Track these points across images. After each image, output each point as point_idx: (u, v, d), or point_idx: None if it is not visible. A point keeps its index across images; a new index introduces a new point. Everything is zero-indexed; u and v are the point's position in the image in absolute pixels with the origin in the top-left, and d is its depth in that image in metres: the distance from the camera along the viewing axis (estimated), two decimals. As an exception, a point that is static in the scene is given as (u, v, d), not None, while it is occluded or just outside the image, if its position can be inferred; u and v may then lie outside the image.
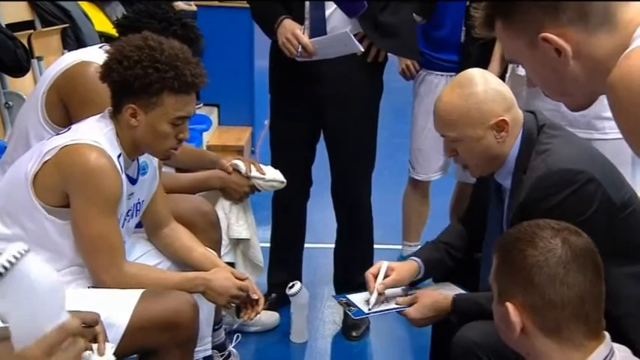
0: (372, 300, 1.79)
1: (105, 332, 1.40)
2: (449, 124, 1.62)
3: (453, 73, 2.75)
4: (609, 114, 1.02)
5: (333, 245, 2.87)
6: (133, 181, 1.80)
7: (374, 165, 2.73)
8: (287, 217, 2.76)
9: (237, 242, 2.39)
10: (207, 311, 1.96)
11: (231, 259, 2.36)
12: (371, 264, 2.73)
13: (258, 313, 1.92)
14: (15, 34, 2.93)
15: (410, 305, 1.73)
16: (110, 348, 1.38)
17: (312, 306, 2.74)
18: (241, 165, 2.34)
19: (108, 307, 1.56)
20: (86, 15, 3.81)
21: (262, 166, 2.43)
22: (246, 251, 2.44)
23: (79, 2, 3.95)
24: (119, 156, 1.69)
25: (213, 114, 4.98)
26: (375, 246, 2.80)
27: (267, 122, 2.79)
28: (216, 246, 2.06)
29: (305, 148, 2.68)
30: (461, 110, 1.60)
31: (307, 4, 2.44)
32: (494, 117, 1.59)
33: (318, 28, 2.44)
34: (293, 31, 2.39)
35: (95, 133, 1.68)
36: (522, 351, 1.19)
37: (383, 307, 1.80)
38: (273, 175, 2.38)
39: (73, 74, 1.97)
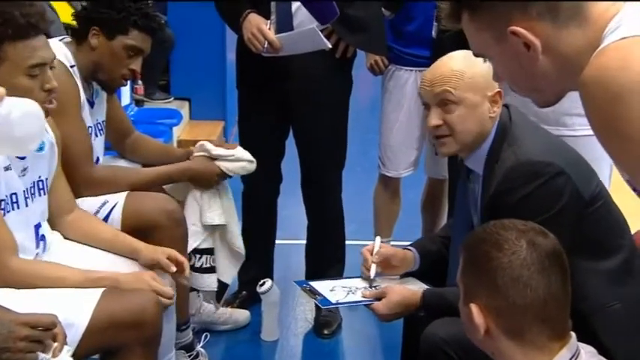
0: (372, 272, 1.77)
1: (63, 333, 1.37)
2: (453, 84, 1.57)
3: (423, 68, 2.73)
4: (579, 110, 1.00)
5: (304, 242, 2.85)
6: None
7: (344, 160, 2.72)
8: (257, 213, 2.73)
9: (213, 228, 2.32)
10: (167, 329, 1.91)
11: (210, 245, 2.31)
12: (342, 260, 2.81)
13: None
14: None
15: (377, 299, 1.70)
16: (67, 351, 1.35)
17: (284, 303, 2.73)
18: (208, 145, 2.29)
19: (67, 306, 1.54)
20: (52, 7, 3.74)
21: (231, 144, 2.37)
22: (223, 238, 2.37)
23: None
24: None
25: (184, 108, 4.94)
26: (348, 242, 2.80)
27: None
28: (180, 243, 2.03)
29: (274, 143, 2.67)
30: (467, 72, 1.57)
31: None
32: (494, 88, 1.58)
33: (285, 22, 2.42)
34: (259, 26, 2.36)
35: None
36: (488, 350, 1.19)
37: (349, 298, 1.78)
38: (242, 154, 2.30)
39: None
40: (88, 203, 1.99)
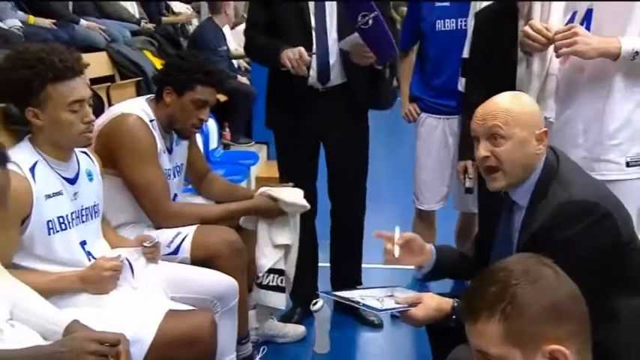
0: (397, 252, 1.66)
1: (128, 351, 1.35)
2: (503, 119, 1.47)
3: (451, 116, 2.69)
4: (608, 157, 0.89)
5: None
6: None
7: (366, 175, 2.67)
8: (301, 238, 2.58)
9: (284, 248, 2.25)
10: (230, 327, 1.90)
11: (281, 266, 2.24)
12: (359, 278, 2.73)
13: None
14: (96, 86, 2.98)
15: (412, 305, 1.57)
16: None
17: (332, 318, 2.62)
18: (268, 190, 2.24)
19: (135, 324, 1.52)
20: (156, 68, 3.88)
21: (283, 188, 2.29)
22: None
23: (150, 57, 4.07)
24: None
25: (262, 150, 5.01)
26: (386, 266, 2.69)
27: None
28: (239, 270, 1.99)
29: (309, 167, 2.59)
30: (517, 110, 1.48)
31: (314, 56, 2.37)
32: (540, 127, 1.49)
33: (324, 76, 2.41)
34: (299, 51, 2.31)
35: None
36: None
37: (387, 305, 1.62)
38: (294, 200, 2.23)
39: (115, 124, 1.96)
40: (165, 234, 1.98)
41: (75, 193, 1.66)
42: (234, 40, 5.58)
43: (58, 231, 1.60)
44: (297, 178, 2.40)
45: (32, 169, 1.56)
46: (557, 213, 1.40)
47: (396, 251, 1.67)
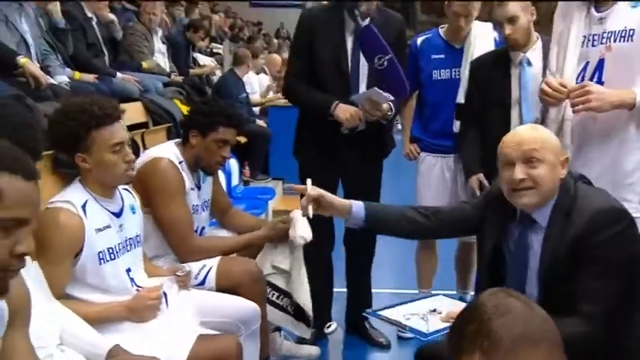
0: (310, 211, 1.58)
1: None
2: (540, 145, 1.44)
3: (447, 155, 2.72)
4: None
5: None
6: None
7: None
8: (316, 261, 2.47)
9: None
10: (253, 349, 1.89)
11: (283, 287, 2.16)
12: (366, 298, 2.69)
13: None
14: (132, 132, 3.03)
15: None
16: None
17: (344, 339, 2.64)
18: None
19: (169, 347, 1.53)
20: (184, 115, 3.94)
21: (299, 221, 2.17)
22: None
23: (179, 105, 4.14)
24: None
25: (278, 186, 5.03)
26: (395, 291, 2.69)
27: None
28: (259, 296, 1.99)
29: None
30: (549, 137, 1.48)
31: None
32: (565, 155, 1.49)
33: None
34: (354, 110, 2.36)
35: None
36: None
37: (432, 324, 1.54)
38: (301, 233, 2.11)
39: (149, 167, 1.99)
40: (192, 267, 1.96)
41: (120, 226, 1.68)
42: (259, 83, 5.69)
43: (107, 261, 1.62)
44: None
45: (84, 207, 1.58)
46: (593, 220, 1.37)
47: (310, 211, 1.61)
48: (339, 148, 2.48)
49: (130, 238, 1.71)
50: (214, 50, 7.05)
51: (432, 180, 2.76)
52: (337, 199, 1.68)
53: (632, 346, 1.38)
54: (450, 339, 1.00)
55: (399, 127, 2.93)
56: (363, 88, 2.42)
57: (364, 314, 1.84)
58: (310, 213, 1.61)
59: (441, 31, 2.69)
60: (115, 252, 1.64)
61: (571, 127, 1.92)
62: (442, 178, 2.74)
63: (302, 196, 1.64)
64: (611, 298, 1.33)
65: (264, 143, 5.14)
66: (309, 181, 1.67)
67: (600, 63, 1.82)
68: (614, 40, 1.79)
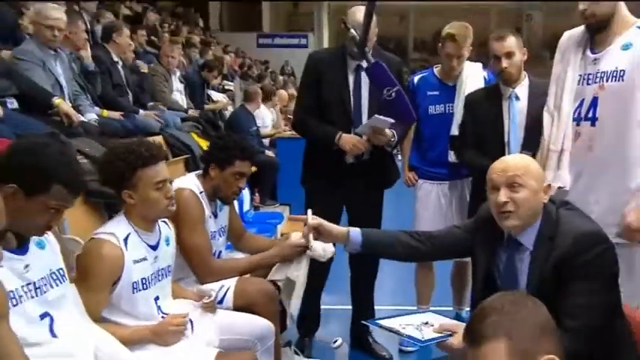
0: (311, 240, 1.64)
1: None
2: (522, 172, 1.45)
3: (442, 182, 2.76)
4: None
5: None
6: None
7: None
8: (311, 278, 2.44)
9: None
10: None
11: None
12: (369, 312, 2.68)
13: None
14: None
15: (449, 335, 1.49)
16: None
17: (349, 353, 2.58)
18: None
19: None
20: (201, 147, 4.01)
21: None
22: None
23: (196, 138, 4.20)
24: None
25: (285, 211, 5.07)
26: (396, 307, 2.69)
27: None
28: (273, 315, 2.00)
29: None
30: (532, 165, 1.49)
31: None
32: (546, 181, 1.51)
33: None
34: (358, 139, 2.41)
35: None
36: None
37: (426, 334, 1.52)
38: (318, 254, 2.06)
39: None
40: (210, 287, 1.97)
41: (155, 257, 1.70)
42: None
43: (140, 290, 1.63)
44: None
45: (125, 240, 1.61)
46: (576, 242, 1.39)
47: (311, 240, 1.65)
48: (344, 177, 2.51)
49: (161, 269, 1.73)
50: (226, 87, 7.15)
51: (429, 205, 2.79)
52: (335, 228, 1.70)
53: (613, 357, 1.39)
54: (469, 330, 1.02)
55: (399, 157, 2.97)
56: (365, 119, 2.47)
57: (363, 322, 1.83)
58: (311, 240, 1.65)
59: (436, 70, 2.77)
60: (147, 282, 1.66)
61: (569, 157, 1.92)
62: (438, 204, 2.78)
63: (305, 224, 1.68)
64: (592, 313, 1.35)
65: (272, 172, 5.19)
66: (309, 211, 1.71)
67: (594, 100, 1.83)
68: (607, 80, 1.80)
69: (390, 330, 1.60)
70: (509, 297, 1.04)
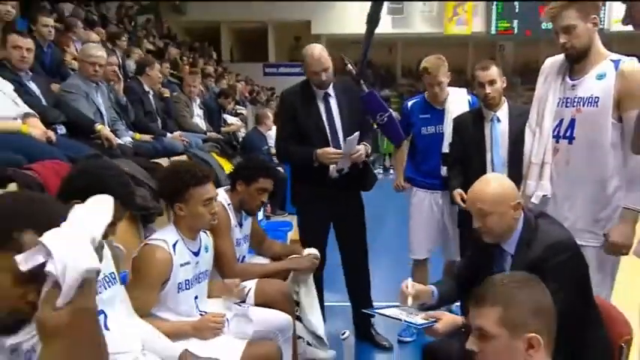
0: (410, 302, 1.59)
1: None
2: (488, 202, 1.50)
3: (435, 191, 2.80)
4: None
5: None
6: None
7: (365, 233, 2.70)
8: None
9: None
10: (287, 352, 1.92)
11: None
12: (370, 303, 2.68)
13: None
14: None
15: (435, 321, 1.53)
16: None
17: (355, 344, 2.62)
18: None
19: (226, 351, 1.58)
20: (220, 165, 4.06)
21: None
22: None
23: (216, 157, 4.25)
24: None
25: (294, 220, 5.02)
26: (392, 303, 2.68)
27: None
28: (289, 311, 2.01)
29: (324, 235, 2.61)
30: (497, 191, 1.51)
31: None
32: (514, 200, 1.52)
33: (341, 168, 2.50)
34: (332, 150, 2.44)
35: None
36: None
37: (420, 321, 1.55)
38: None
39: None
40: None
41: (197, 263, 1.74)
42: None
43: (183, 290, 1.68)
44: (314, 237, 2.47)
45: (174, 246, 1.65)
46: (550, 248, 1.43)
47: (410, 301, 1.63)
48: (329, 189, 2.53)
49: (201, 273, 1.77)
50: (238, 111, 7.23)
51: (422, 210, 2.83)
52: (425, 289, 1.68)
53: (584, 349, 1.42)
54: (478, 292, 1.08)
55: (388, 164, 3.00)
56: (341, 137, 2.52)
57: (363, 311, 1.87)
58: (410, 302, 1.61)
59: (426, 95, 2.83)
60: (189, 283, 1.70)
61: (550, 169, 1.94)
62: (431, 210, 2.82)
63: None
64: (563, 308, 1.36)
65: (282, 186, 5.21)
66: (409, 280, 1.67)
67: (572, 122, 1.86)
68: (583, 105, 1.83)
69: (389, 317, 1.64)
70: (518, 276, 1.10)
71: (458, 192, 2.51)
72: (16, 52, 2.23)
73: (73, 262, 0.64)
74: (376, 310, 1.70)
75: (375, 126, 2.69)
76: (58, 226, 0.69)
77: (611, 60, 1.82)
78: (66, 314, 0.64)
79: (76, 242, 0.66)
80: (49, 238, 0.65)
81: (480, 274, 1.66)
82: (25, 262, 0.65)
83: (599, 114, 1.79)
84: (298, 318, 2.19)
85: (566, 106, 1.89)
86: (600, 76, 1.82)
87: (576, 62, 1.85)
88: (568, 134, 1.87)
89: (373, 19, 3.29)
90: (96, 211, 0.72)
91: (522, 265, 1.46)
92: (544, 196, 1.92)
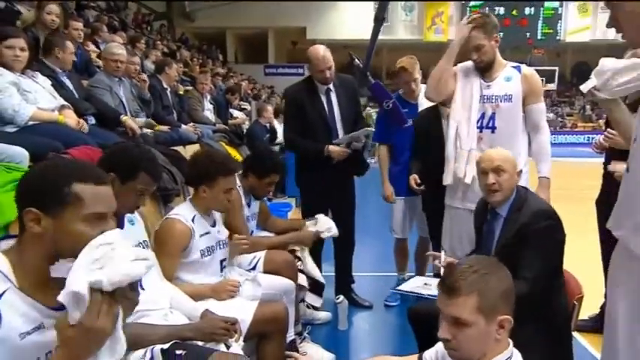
0: (442, 271, 1.53)
1: (240, 328, 1.43)
2: (503, 161, 1.59)
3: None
4: None
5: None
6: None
7: (354, 212, 2.75)
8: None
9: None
10: (291, 312, 1.95)
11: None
12: (349, 277, 2.77)
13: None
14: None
15: None
16: (240, 337, 1.42)
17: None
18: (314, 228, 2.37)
19: (241, 310, 1.61)
20: (228, 152, 4.01)
21: (325, 220, 2.38)
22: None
23: (224, 145, 4.22)
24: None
25: (293, 201, 5.11)
26: (381, 274, 2.73)
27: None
28: (293, 277, 2.06)
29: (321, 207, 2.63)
30: (509, 157, 1.62)
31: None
32: (517, 168, 1.63)
33: None
34: (342, 150, 2.52)
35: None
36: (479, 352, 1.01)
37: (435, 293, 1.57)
38: (325, 227, 2.35)
39: None
40: (247, 258, 2.05)
41: (218, 231, 1.78)
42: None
43: (206, 255, 1.71)
44: (315, 214, 2.49)
45: (193, 219, 1.68)
46: (535, 214, 1.49)
47: (442, 270, 1.60)
48: (328, 174, 2.57)
49: (221, 240, 1.80)
50: (242, 106, 7.20)
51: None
52: (452, 260, 1.64)
53: (554, 304, 1.48)
54: (451, 282, 1.01)
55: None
56: (339, 128, 2.57)
57: (392, 290, 1.97)
58: (442, 272, 1.48)
59: (400, 92, 2.81)
60: (212, 249, 1.73)
61: (475, 156, 1.99)
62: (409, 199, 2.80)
63: (434, 258, 1.70)
64: (541, 267, 1.44)
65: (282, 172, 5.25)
66: (443, 252, 1.71)
67: (493, 115, 2.07)
68: (500, 101, 2.06)
69: (413, 293, 1.71)
70: (485, 262, 1.03)
71: (413, 177, 2.56)
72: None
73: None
74: (400, 289, 1.82)
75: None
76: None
77: (512, 67, 2.10)
78: (72, 330, 0.77)
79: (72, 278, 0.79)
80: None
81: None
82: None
83: (513, 108, 2.05)
84: (301, 271, 2.25)
85: (486, 102, 2.08)
86: (508, 79, 2.07)
87: (485, 71, 2.10)
88: (490, 125, 2.06)
89: (379, 18, 3.29)
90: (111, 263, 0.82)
91: (512, 227, 1.53)
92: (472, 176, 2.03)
